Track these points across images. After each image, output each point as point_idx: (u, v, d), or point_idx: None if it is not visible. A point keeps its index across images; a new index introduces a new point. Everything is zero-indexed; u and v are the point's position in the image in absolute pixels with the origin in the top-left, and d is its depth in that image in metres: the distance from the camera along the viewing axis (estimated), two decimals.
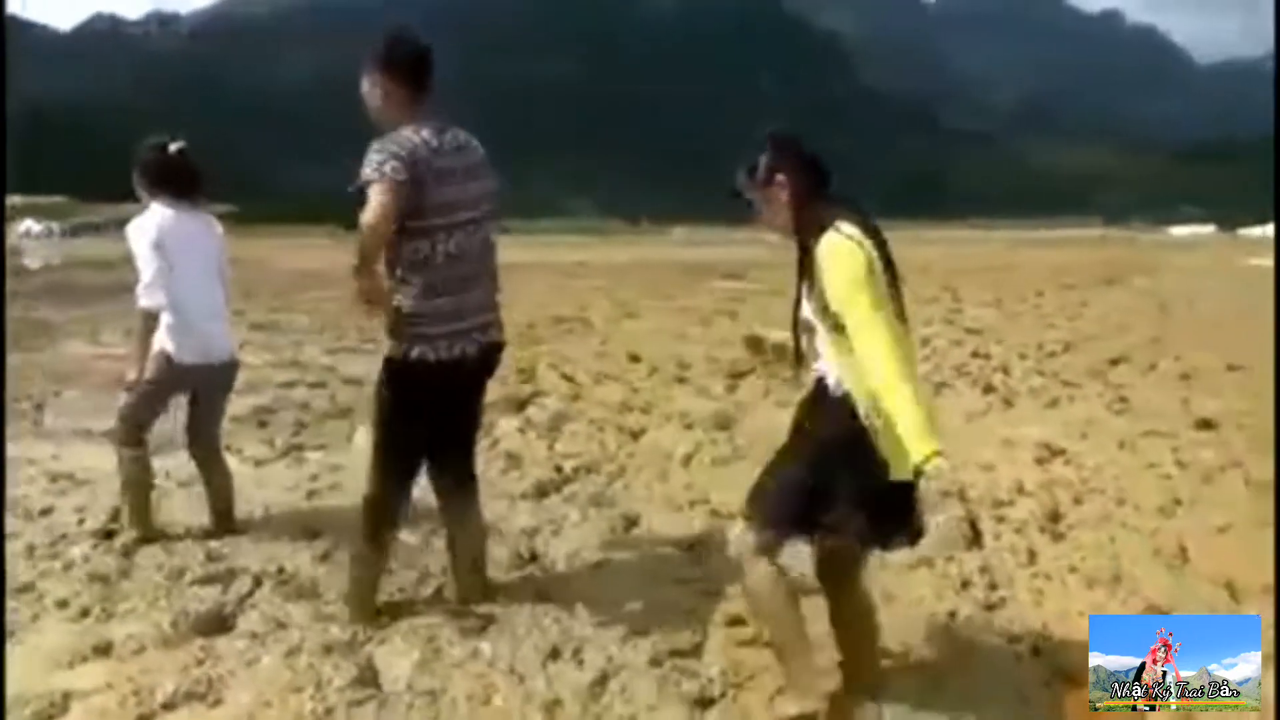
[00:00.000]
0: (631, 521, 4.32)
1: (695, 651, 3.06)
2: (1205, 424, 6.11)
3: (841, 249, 2.31)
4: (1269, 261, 24.33)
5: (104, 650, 3.00)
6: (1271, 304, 7.84)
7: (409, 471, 3.22)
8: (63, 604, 3.34)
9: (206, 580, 3.55)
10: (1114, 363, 8.78)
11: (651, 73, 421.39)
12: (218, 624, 3.20)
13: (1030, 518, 4.32)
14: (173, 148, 3.84)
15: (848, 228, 2.34)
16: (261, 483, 4.83)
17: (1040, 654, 3.06)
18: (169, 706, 2.68)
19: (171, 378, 3.88)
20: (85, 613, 3.28)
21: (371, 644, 3.07)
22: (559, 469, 5.10)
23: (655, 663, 2.97)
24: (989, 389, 7.50)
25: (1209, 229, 69.57)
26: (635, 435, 5.94)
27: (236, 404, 5.33)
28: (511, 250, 6.18)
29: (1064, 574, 3.72)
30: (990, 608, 3.42)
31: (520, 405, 6.70)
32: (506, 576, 3.64)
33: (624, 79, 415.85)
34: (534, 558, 3.87)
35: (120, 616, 3.27)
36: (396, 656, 3.00)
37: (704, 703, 2.76)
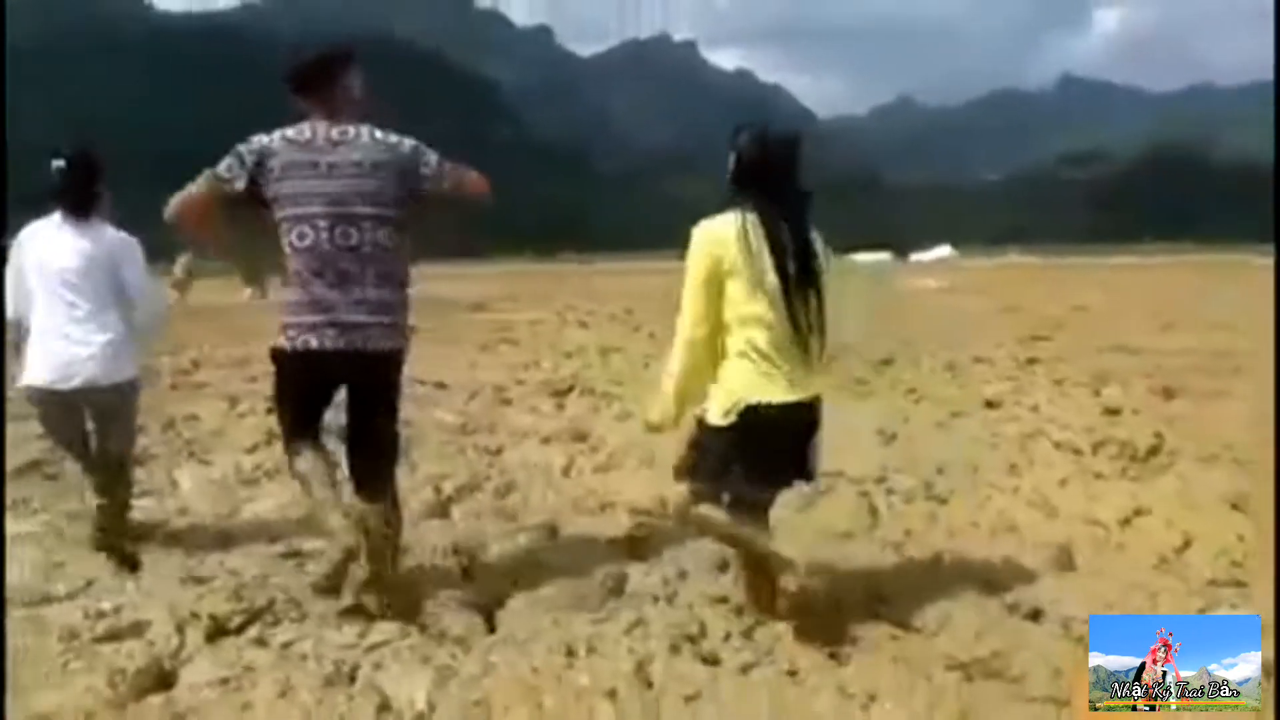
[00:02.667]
0: (552, 530, 4.17)
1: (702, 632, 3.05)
2: None
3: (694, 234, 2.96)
4: (935, 283, 27.98)
5: None
6: None
7: (300, 455, 3.22)
8: None
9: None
10: None
11: None
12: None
13: None
14: (54, 165, 3.60)
15: (722, 216, 2.92)
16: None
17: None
18: None
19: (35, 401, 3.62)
20: None
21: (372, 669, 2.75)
22: (438, 489, 4.80)
23: (674, 649, 2.91)
24: None
25: (947, 251, 75.09)
26: (495, 453, 5.74)
27: None
28: None
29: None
30: None
31: None
32: (455, 595, 3.40)
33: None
34: (465, 572, 3.64)
35: None
36: (406, 679, 2.70)
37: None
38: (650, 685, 2.67)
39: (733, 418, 2.90)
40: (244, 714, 2.49)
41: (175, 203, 3.12)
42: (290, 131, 3.10)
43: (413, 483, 4.97)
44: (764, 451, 2.95)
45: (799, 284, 2.91)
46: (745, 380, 2.91)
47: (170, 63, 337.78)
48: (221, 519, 4.37)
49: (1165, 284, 26.65)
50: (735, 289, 2.89)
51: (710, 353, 2.98)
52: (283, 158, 3.05)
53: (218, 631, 3.05)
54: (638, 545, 3.98)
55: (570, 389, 8.15)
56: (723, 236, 2.90)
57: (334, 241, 3.06)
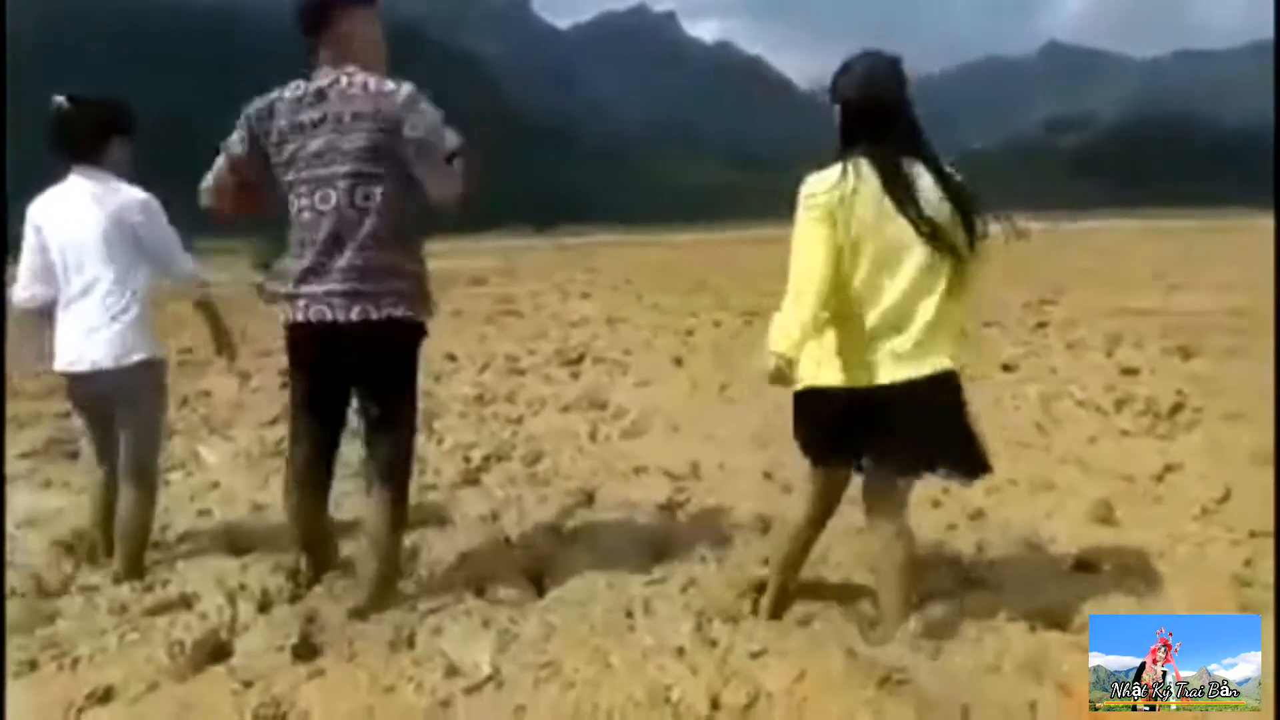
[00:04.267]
0: (588, 494, 4.15)
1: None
2: None
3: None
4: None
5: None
6: None
7: (309, 437, 3.04)
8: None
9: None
10: None
11: None
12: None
13: None
14: (54, 103, 3.20)
15: (826, 171, 2.51)
16: None
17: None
18: None
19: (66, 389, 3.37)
20: None
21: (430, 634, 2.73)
22: (467, 459, 4.77)
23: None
24: None
25: None
26: (517, 421, 5.72)
27: None
28: None
29: None
30: None
31: None
32: (502, 560, 3.38)
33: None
34: (507, 540, 3.62)
35: None
36: (469, 642, 2.68)
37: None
38: (714, 643, 2.65)
39: None
40: (311, 680, 2.46)
41: (206, 190, 2.94)
42: (289, 88, 2.84)
43: (440, 452, 4.95)
44: None
45: None
46: None
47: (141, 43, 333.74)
48: (255, 489, 4.33)
49: (1164, 247, 26.71)
50: None
51: None
52: (280, 120, 2.82)
53: (268, 603, 3.03)
54: (676, 509, 3.97)
55: (581, 358, 8.11)
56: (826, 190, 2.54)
57: (314, 207, 2.81)
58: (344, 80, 2.79)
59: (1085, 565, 3.24)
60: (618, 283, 17.88)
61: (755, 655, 2.57)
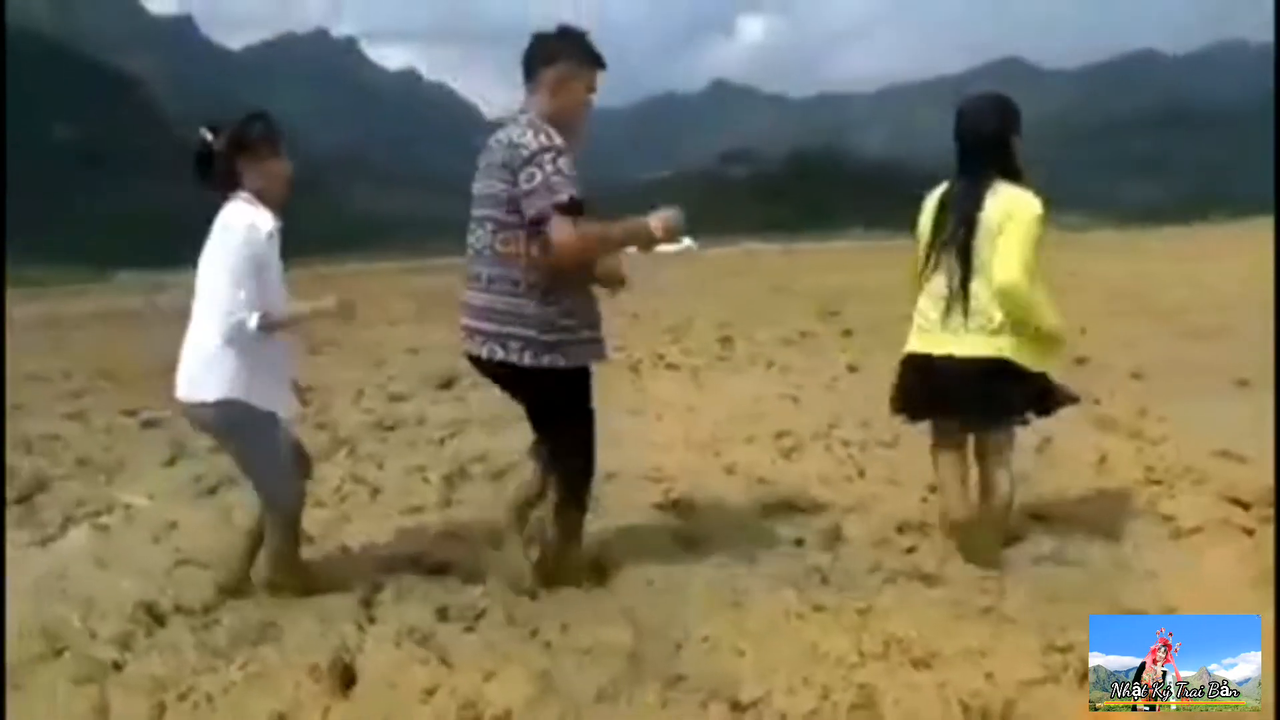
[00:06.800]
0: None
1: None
2: None
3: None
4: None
5: None
6: None
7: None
8: None
9: None
10: None
11: None
12: None
13: None
14: (201, 134, 3.11)
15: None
16: None
17: None
18: None
19: None
20: None
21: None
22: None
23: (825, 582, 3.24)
24: None
25: (689, 242, 76.54)
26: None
27: None
28: None
29: None
30: None
31: None
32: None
33: None
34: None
35: None
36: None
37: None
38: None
39: None
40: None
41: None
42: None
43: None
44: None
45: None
46: None
47: None
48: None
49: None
50: None
51: None
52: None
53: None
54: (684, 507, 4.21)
55: None
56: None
57: (470, 245, 3.06)
58: (510, 126, 2.97)
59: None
60: None
61: (861, 612, 2.95)
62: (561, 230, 2.80)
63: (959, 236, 3.12)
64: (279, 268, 3.03)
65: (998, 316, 3.08)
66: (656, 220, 2.97)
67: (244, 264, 2.91)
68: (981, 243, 3.08)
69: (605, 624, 2.92)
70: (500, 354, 2.96)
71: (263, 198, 3.04)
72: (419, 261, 37.72)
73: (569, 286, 2.98)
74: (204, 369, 3.00)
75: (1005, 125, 3.17)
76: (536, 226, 2.84)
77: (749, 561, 3.43)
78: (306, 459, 3.42)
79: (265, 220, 2.96)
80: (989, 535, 3.35)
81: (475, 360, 3.09)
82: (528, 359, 2.94)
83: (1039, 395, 3.24)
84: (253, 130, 3.07)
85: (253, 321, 2.90)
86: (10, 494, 4.61)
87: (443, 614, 3.06)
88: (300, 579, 3.27)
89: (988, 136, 3.16)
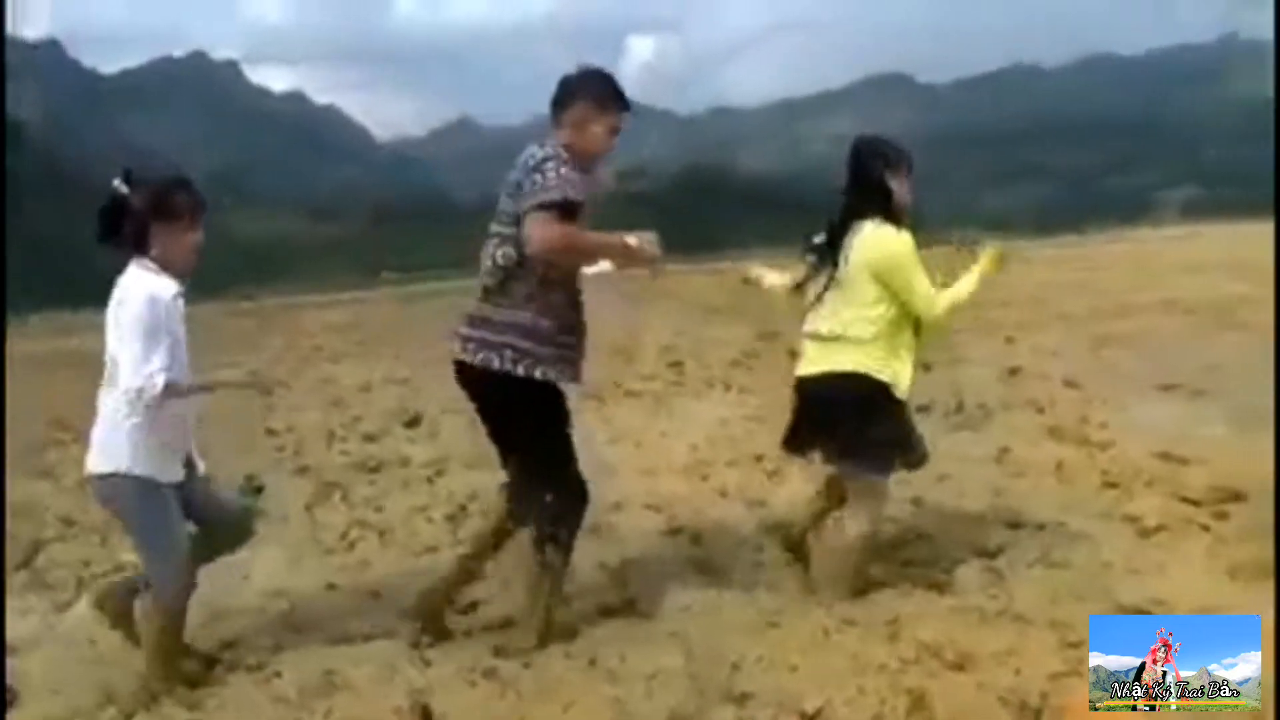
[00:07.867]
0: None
1: None
2: None
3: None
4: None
5: None
6: None
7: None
8: None
9: None
10: None
11: None
12: None
13: None
14: (113, 186, 2.98)
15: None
16: None
17: None
18: None
19: None
20: None
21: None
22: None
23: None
24: None
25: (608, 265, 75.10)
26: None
27: None
28: None
29: None
30: None
31: None
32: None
33: None
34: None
35: None
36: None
37: None
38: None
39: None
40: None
41: None
42: None
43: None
44: None
45: None
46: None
47: None
48: None
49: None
50: None
51: None
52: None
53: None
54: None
55: None
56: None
57: (482, 259, 3.17)
58: (531, 145, 3.10)
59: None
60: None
61: (889, 623, 3.21)
62: (542, 226, 2.89)
63: (831, 272, 3.37)
64: (182, 334, 2.94)
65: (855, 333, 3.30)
66: (633, 238, 3.16)
67: (144, 336, 2.80)
68: (852, 275, 3.32)
69: (659, 649, 3.11)
70: (496, 362, 3.03)
71: (167, 266, 2.95)
72: (321, 296, 36.79)
73: (567, 304, 3.15)
74: (99, 441, 2.97)
75: (889, 168, 3.38)
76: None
77: (768, 584, 3.66)
78: (233, 529, 3.32)
79: (166, 288, 2.89)
80: (830, 568, 3.48)
81: (462, 368, 3.14)
82: (521, 370, 3.04)
83: (904, 438, 3.42)
84: (178, 199, 3.00)
85: (153, 390, 2.78)
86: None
87: (499, 650, 3.20)
88: (179, 670, 3.10)
89: (875, 181, 3.37)
